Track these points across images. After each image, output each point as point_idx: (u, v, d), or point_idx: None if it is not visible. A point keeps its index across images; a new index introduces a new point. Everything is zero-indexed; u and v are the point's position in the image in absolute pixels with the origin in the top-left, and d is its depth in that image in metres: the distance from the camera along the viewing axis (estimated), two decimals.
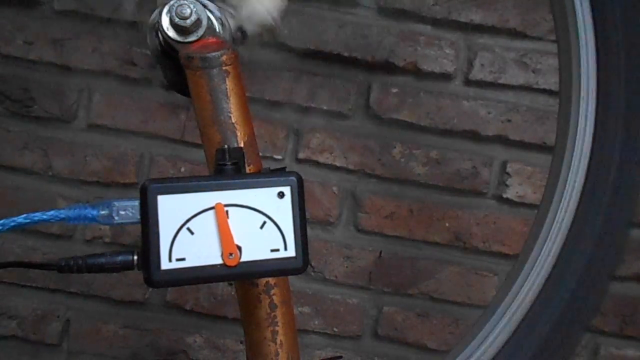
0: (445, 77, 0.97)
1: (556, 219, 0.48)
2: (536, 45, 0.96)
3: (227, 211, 0.38)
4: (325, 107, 0.97)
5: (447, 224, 0.99)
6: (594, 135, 0.48)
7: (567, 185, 0.48)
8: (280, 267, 0.39)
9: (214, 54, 0.44)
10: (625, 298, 1.00)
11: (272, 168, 0.42)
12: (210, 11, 0.47)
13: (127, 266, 0.39)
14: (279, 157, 0.98)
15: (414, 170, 0.98)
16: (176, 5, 0.44)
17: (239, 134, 0.45)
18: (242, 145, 0.45)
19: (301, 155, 0.98)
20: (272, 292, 0.46)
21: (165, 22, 0.45)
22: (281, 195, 0.39)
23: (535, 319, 0.47)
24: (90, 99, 0.97)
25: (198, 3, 0.45)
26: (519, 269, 0.49)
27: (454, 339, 1.00)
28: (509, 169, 0.98)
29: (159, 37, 0.47)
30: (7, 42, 0.96)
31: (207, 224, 0.38)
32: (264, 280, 0.45)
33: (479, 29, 0.96)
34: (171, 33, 0.45)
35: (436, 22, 0.96)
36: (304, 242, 0.40)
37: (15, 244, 0.99)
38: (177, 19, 0.44)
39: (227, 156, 0.41)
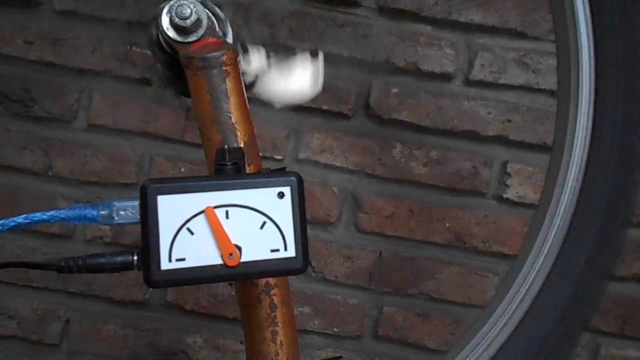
0: (446, 77, 0.97)
1: (554, 219, 0.48)
2: (536, 45, 0.96)
3: (226, 211, 0.38)
4: (325, 107, 0.97)
5: (447, 224, 0.99)
6: (592, 135, 0.48)
7: (565, 185, 0.48)
8: (280, 267, 0.39)
9: (214, 54, 0.44)
10: (625, 298, 1.00)
11: (272, 168, 0.42)
12: (211, 11, 0.47)
13: (127, 266, 0.39)
14: (279, 157, 0.98)
15: (414, 171, 0.98)
16: (176, 5, 0.44)
17: (239, 134, 0.45)
18: (242, 145, 0.45)
19: (301, 155, 0.98)
20: (272, 292, 0.46)
21: (165, 22, 0.45)
22: (281, 195, 0.39)
23: (534, 319, 0.47)
24: (90, 99, 0.97)
25: (198, 3, 0.45)
26: (517, 269, 0.49)
27: (454, 339, 1.00)
28: (509, 169, 0.98)
29: (159, 38, 0.47)
30: (7, 42, 0.96)
31: (206, 225, 0.38)
32: (264, 280, 0.45)
33: (479, 29, 0.96)
34: (171, 33, 0.45)
35: (436, 22, 0.96)
36: (304, 242, 0.40)
37: (15, 244, 0.99)
38: (177, 19, 0.44)
39: (227, 156, 0.41)
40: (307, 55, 0.51)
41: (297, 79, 0.50)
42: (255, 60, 0.50)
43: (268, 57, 0.50)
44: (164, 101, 0.97)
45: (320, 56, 0.51)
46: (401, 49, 0.96)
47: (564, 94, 0.49)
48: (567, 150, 0.48)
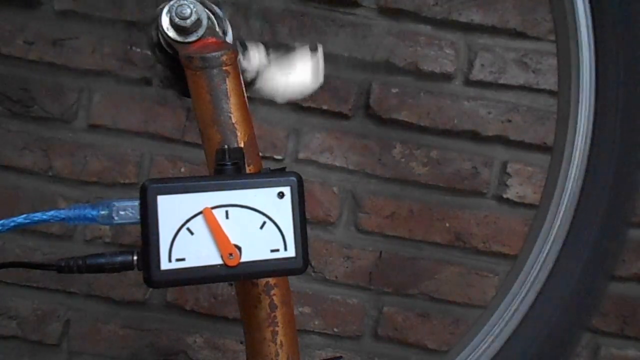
0: (446, 77, 0.97)
1: (555, 219, 0.48)
2: (536, 45, 0.96)
3: (226, 211, 0.38)
4: (325, 107, 0.97)
5: (447, 224, 0.99)
6: (593, 135, 0.48)
7: (565, 186, 0.48)
8: (280, 267, 0.39)
9: (214, 54, 0.44)
10: (626, 298, 1.00)
11: (272, 168, 0.42)
12: (212, 11, 0.47)
13: (127, 266, 0.39)
14: (279, 157, 0.98)
15: (414, 171, 0.98)
16: (176, 5, 0.44)
17: (239, 134, 0.45)
18: (242, 145, 0.45)
19: (301, 155, 0.98)
20: (272, 292, 0.46)
21: (165, 22, 0.45)
22: (281, 195, 0.39)
23: (535, 319, 0.47)
24: (90, 99, 0.97)
25: (198, 3, 0.45)
26: (518, 269, 0.49)
27: (454, 339, 1.00)
28: (509, 169, 0.98)
29: (159, 37, 0.47)
30: (7, 42, 0.96)
31: (206, 225, 0.38)
32: (264, 280, 0.45)
33: (479, 29, 0.96)
34: (171, 33, 0.45)
35: (436, 22, 0.96)
36: (304, 242, 0.39)
37: (15, 244, 0.99)
38: (177, 19, 0.44)
39: (227, 156, 0.41)
40: (307, 50, 0.51)
41: (297, 74, 0.51)
42: (255, 58, 0.50)
43: (267, 53, 0.51)
44: (164, 101, 0.97)
45: (320, 50, 0.51)
46: (401, 49, 0.96)
47: (564, 94, 0.49)
48: (567, 150, 0.48)
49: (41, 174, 0.98)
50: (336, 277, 1.00)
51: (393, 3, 0.95)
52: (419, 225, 0.99)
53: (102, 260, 0.39)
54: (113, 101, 0.97)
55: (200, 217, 0.37)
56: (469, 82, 0.97)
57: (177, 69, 0.48)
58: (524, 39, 0.96)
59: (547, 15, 0.95)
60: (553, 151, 0.50)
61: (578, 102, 0.48)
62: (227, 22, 0.48)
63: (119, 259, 0.39)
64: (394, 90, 0.97)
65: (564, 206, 0.48)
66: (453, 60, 0.97)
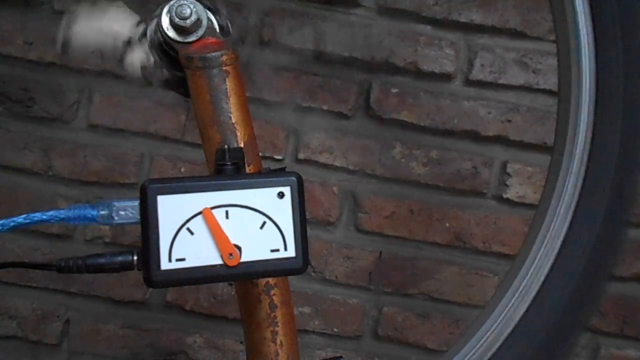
0: (445, 77, 0.97)
1: (554, 218, 0.48)
2: (536, 45, 0.96)
3: (226, 211, 0.38)
4: (325, 107, 0.97)
5: (447, 224, 0.99)
6: (593, 135, 0.48)
7: (565, 185, 0.48)
8: (280, 267, 0.39)
9: (214, 54, 0.44)
10: (625, 298, 1.00)
11: (272, 168, 0.42)
12: (212, 11, 0.47)
13: (127, 266, 0.39)
14: (279, 157, 0.98)
15: (414, 171, 0.98)
16: (176, 5, 0.45)
17: (239, 134, 0.45)
18: (242, 145, 0.45)
19: (301, 155, 0.98)
20: (272, 292, 0.46)
21: (165, 22, 0.45)
22: (281, 195, 0.39)
23: (533, 318, 0.47)
24: (90, 99, 0.97)
25: (198, 3, 0.45)
26: (517, 269, 0.49)
27: (454, 339, 1.00)
28: (509, 169, 0.98)
29: (159, 37, 0.47)
30: (7, 42, 0.96)
31: (206, 225, 0.38)
32: (264, 280, 0.45)
33: (479, 29, 0.96)
34: (171, 33, 0.45)
35: (436, 22, 0.96)
36: (304, 242, 0.39)
37: (15, 244, 0.99)
38: (177, 19, 0.44)
39: (227, 156, 0.41)
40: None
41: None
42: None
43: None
44: (164, 101, 0.97)
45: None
46: (401, 49, 0.96)
47: (564, 94, 0.49)
48: (567, 150, 0.48)
49: (41, 174, 0.98)
50: (336, 277, 1.00)
51: (393, 3, 0.95)
52: (419, 225, 0.99)
53: (102, 260, 0.39)
54: (113, 101, 0.97)
55: (200, 217, 0.38)
56: (469, 82, 0.97)
57: (176, 68, 0.48)
58: (524, 39, 0.96)
59: (547, 15, 0.95)
60: (553, 151, 0.50)
61: (578, 102, 0.48)
62: (228, 22, 0.48)
63: (119, 259, 0.39)
64: (394, 90, 0.97)
65: (563, 206, 0.48)
66: (453, 60, 0.97)
